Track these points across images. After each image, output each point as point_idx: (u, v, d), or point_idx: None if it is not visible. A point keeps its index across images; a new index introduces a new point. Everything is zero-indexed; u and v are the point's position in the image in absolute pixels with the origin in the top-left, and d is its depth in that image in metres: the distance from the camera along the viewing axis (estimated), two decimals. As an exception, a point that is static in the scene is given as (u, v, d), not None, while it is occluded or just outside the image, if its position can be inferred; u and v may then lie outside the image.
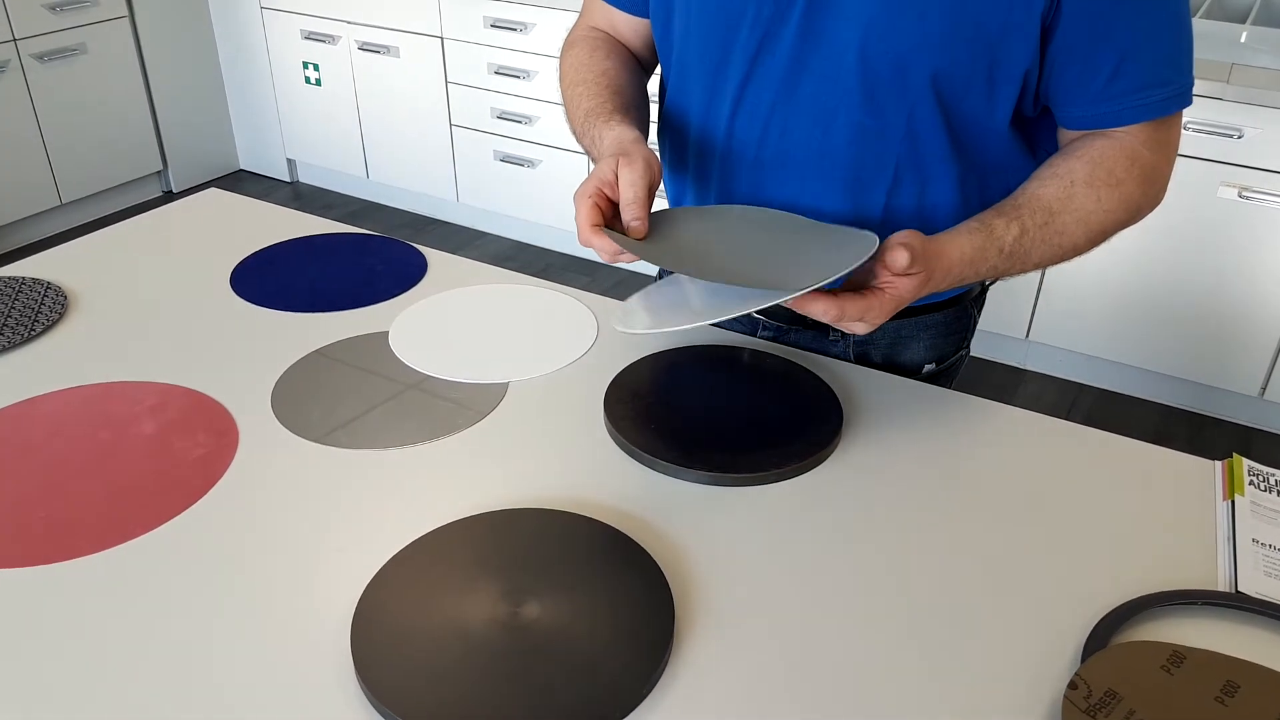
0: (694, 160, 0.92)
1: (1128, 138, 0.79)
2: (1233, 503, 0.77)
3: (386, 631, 0.61)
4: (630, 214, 0.74)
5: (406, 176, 3.08)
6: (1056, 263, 0.81)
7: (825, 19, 0.78)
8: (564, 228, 2.88)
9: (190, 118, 3.24)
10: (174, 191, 3.27)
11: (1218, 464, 0.82)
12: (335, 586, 0.66)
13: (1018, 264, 0.79)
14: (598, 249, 0.74)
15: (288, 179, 3.40)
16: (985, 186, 0.82)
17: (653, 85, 0.99)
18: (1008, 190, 0.80)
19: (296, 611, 0.65)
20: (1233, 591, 0.69)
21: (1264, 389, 2.17)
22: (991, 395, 0.92)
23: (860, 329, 0.74)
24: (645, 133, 0.89)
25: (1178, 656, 0.62)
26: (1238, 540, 0.73)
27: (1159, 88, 0.77)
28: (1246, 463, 0.81)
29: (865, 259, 0.72)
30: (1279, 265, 2.05)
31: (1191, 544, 0.73)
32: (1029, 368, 2.46)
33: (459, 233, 3.07)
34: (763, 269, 0.74)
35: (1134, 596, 0.67)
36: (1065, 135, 0.84)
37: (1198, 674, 0.61)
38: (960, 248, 0.76)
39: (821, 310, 0.71)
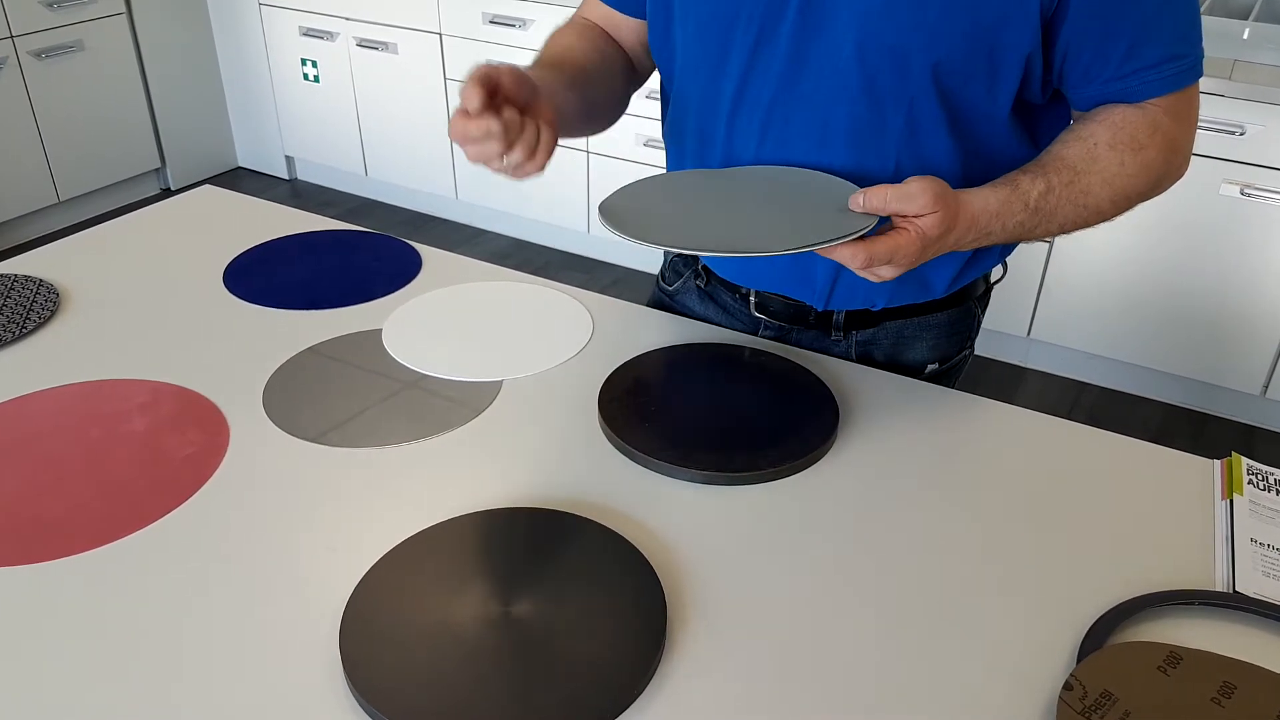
0: (695, 157, 0.91)
1: (1149, 106, 0.79)
2: (1231, 502, 0.76)
3: (376, 631, 0.61)
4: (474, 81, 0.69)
5: (405, 174, 3.07)
6: (1081, 226, 0.81)
7: (822, 13, 0.77)
8: (563, 225, 2.87)
9: (188, 115, 3.24)
10: (172, 189, 3.26)
11: (1216, 463, 0.81)
12: (325, 586, 0.66)
13: (1043, 222, 0.79)
14: (466, 99, 0.69)
15: (286, 176, 3.39)
16: (988, 175, 0.81)
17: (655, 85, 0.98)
18: None
19: (286, 611, 0.64)
20: (1230, 591, 0.68)
21: (1266, 388, 2.16)
22: (993, 393, 0.91)
23: (889, 273, 0.73)
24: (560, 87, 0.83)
25: (1174, 657, 0.61)
26: (1236, 540, 0.72)
27: (1172, 62, 0.77)
28: (1245, 462, 0.80)
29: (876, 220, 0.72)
30: (1280, 262, 2.04)
31: (1189, 543, 0.72)
32: (1030, 366, 2.45)
33: (458, 230, 3.07)
34: (773, 232, 0.74)
35: (1131, 596, 0.67)
36: (1077, 116, 0.84)
37: (1194, 675, 0.60)
38: (985, 200, 0.76)
39: (849, 255, 0.71)
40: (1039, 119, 0.84)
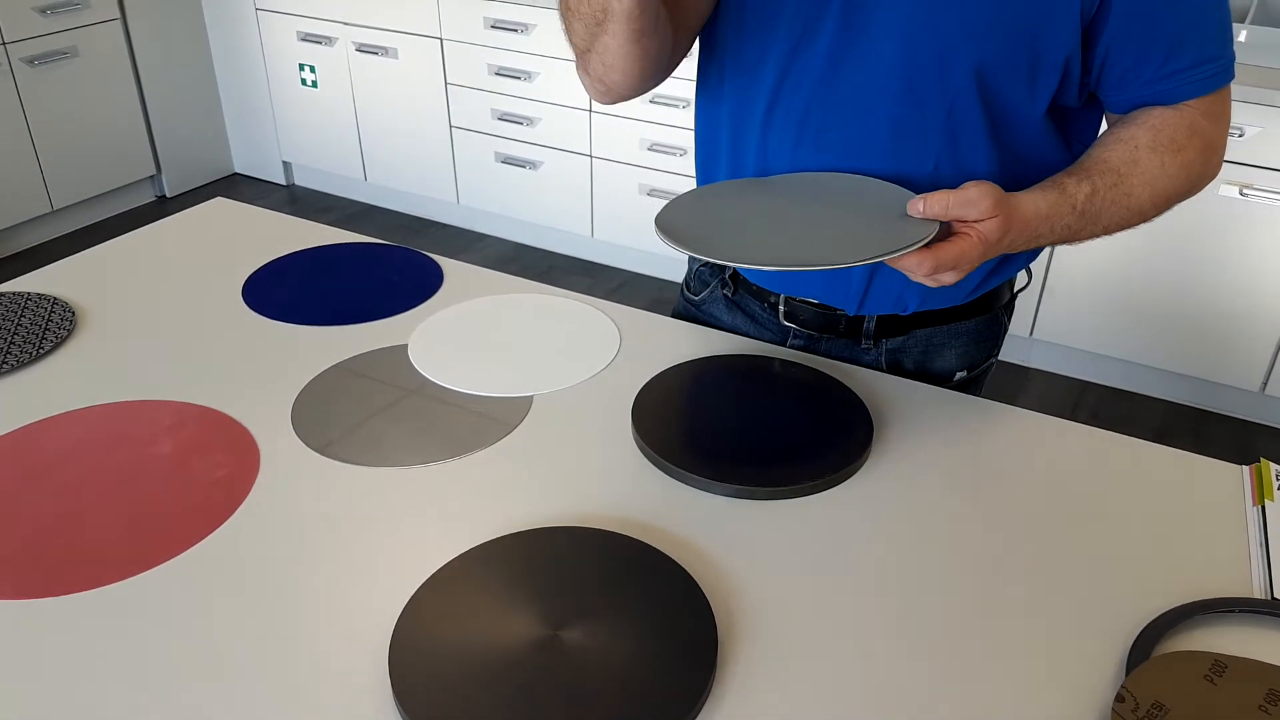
0: (729, 155, 0.91)
1: (1186, 108, 0.80)
2: (1263, 508, 0.76)
3: (426, 658, 0.60)
4: None
5: (405, 179, 3.06)
6: (1123, 228, 0.82)
7: (864, 13, 0.77)
8: (566, 229, 2.86)
9: (184, 121, 3.21)
10: (168, 196, 3.24)
11: (1245, 468, 0.82)
12: (370, 611, 0.65)
13: (1089, 225, 0.79)
14: None
15: (283, 182, 3.37)
16: (1023, 178, 0.82)
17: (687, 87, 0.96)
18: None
19: (331, 638, 0.64)
20: (1269, 598, 0.68)
21: (1265, 384, 2.18)
22: (997, 394, 0.92)
23: (950, 279, 0.74)
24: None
25: (1219, 666, 0.62)
26: (1271, 546, 0.73)
27: (1208, 64, 0.78)
28: (1274, 467, 0.81)
29: (935, 229, 0.73)
30: (1279, 262, 2.06)
31: (1224, 550, 0.73)
32: (1033, 366, 2.46)
33: (459, 235, 3.06)
34: (838, 243, 0.73)
35: (1171, 605, 0.67)
36: (1112, 118, 0.85)
37: (1240, 683, 0.61)
38: (1035, 203, 0.76)
39: (915, 263, 0.71)
40: (1073, 122, 0.84)
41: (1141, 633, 0.65)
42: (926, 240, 0.72)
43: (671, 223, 0.78)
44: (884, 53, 0.78)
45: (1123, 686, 0.60)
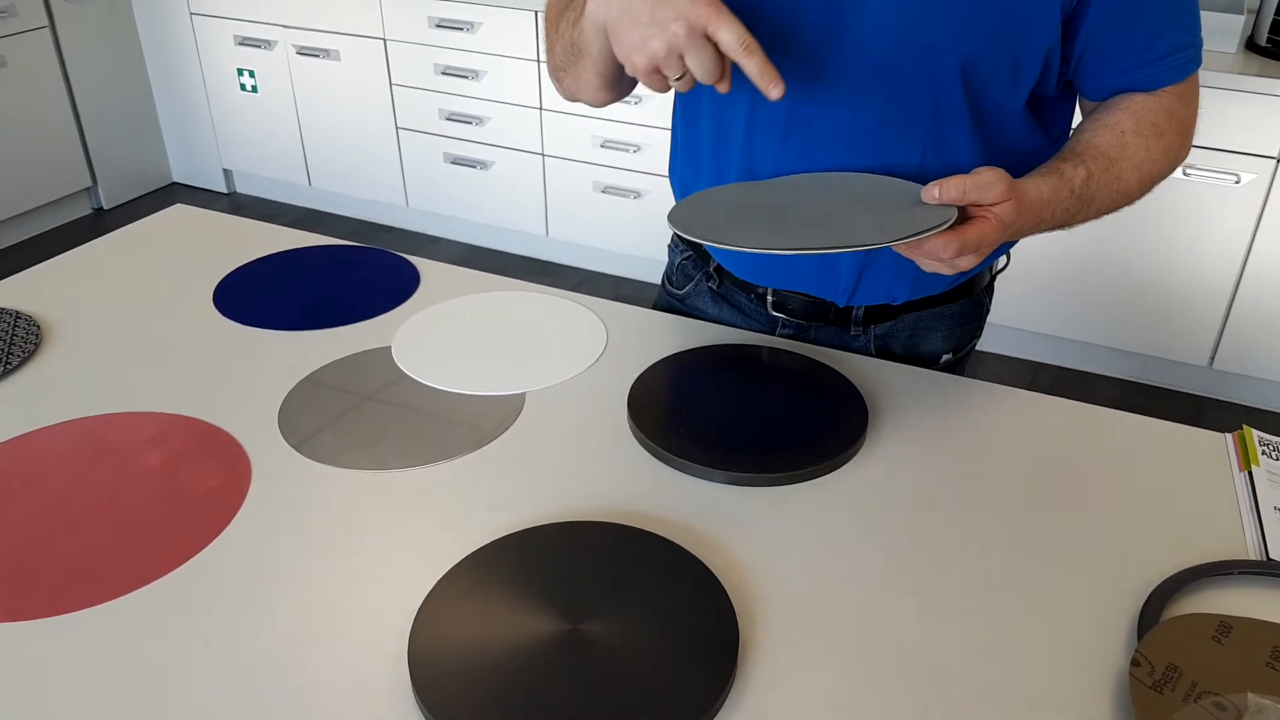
0: (711, 152, 0.90)
1: (1165, 93, 0.82)
2: (1250, 473, 0.79)
3: (446, 659, 0.59)
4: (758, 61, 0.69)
5: (352, 182, 3.00)
6: (1112, 210, 0.83)
7: (846, 12, 0.77)
8: (520, 230, 2.84)
9: (119, 131, 3.11)
10: (105, 208, 3.13)
11: (1229, 436, 0.84)
12: (382, 616, 0.64)
13: (1083, 208, 0.81)
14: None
15: (225, 190, 3.29)
16: (1004, 167, 0.83)
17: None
18: (1026, 170, 0.82)
19: (344, 644, 0.62)
20: (1265, 559, 0.71)
21: (1212, 359, 2.25)
22: None
23: (968, 263, 0.74)
24: None
25: (1225, 626, 0.63)
26: (1261, 510, 0.75)
27: (1183, 50, 0.81)
28: (1256, 434, 0.83)
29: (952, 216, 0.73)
30: (1223, 240, 2.13)
31: (1217, 516, 0.75)
32: (986, 349, 2.51)
33: (410, 238, 3.01)
34: (863, 230, 0.73)
35: (1173, 570, 0.69)
36: (1088, 105, 0.87)
37: (1247, 642, 0.62)
38: (1039, 188, 0.77)
39: (941, 245, 0.71)
40: (1049, 110, 0.86)
41: (1150, 597, 0.66)
42: (950, 222, 0.72)
43: (687, 220, 0.77)
44: (868, 50, 0.78)
45: (1137, 650, 0.61)
